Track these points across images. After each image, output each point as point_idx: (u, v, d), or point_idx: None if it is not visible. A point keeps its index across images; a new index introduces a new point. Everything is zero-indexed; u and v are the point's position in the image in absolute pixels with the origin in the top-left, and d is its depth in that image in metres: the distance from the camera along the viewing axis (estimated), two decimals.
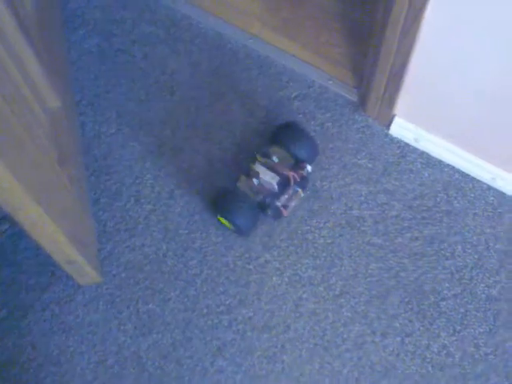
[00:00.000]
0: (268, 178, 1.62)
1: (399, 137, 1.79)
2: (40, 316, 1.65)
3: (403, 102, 1.69)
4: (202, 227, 1.74)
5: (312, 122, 1.82)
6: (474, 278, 1.67)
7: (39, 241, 1.39)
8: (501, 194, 1.74)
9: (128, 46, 1.95)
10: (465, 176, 1.76)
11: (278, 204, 1.64)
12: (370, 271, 1.68)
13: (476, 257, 1.68)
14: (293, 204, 1.68)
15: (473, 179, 1.76)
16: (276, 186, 1.62)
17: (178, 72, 1.92)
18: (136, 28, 1.97)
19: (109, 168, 1.80)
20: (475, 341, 1.60)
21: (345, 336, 1.63)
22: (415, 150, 1.79)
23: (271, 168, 1.64)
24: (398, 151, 1.79)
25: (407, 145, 1.79)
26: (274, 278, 1.69)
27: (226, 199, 1.68)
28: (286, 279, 1.68)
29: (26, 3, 1.55)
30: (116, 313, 1.66)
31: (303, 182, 1.68)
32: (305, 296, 1.67)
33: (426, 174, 1.77)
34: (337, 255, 1.70)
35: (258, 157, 1.67)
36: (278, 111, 1.86)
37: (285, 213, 1.66)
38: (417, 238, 1.71)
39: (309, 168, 1.68)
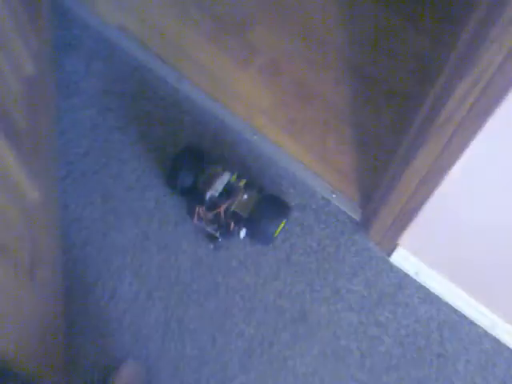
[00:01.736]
0: (214, 187, 1.66)
1: (399, 266, 1.74)
2: None
3: (409, 234, 1.65)
4: (176, 337, 1.68)
5: (309, 237, 1.76)
6: None
7: None
8: (497, 343, 1.69)
9: (124, 124, 1.87)
10: (462, 318, 1.71)
11: (195, 206, 1.67)
12: None
13: None
14: (202, 226, 1.71)
15: (470, 323, 1.71)
16: (207, 197, 1.65)
17: None
18: (135, 104, 1.89)
19: (86, 257, 1.74)
20: None
21: None
22: (414, 282, 1.74)
23: (231, 192, 1.67)
24: (396, 281, 1.74)
25: (406, 276, 1.75)
26: None
27: (190, 158, 1.73)
28: None
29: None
30: None
31: (223, 228, 1.69)
32: None
33: (423, 311, 1.72)
34: None
35: (243, 181, 1.70)
36: None
37: (193, 218, 1.70)
38: (403, 379, 1.66)
39: (241, 233, 1.71)
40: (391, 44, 1.97)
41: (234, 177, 1.71)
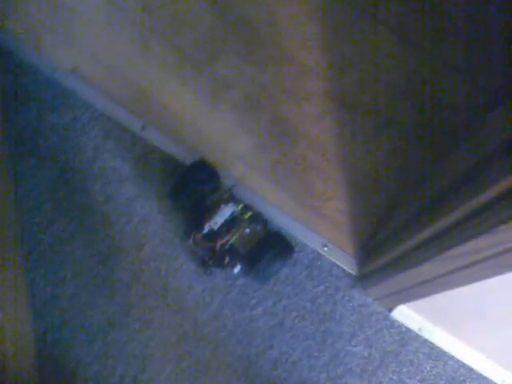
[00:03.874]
0: (214, 219, 1.59)
1: (401, 320, 1.64)
2: None
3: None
4: None
5: (302, 297, 1.66)
6: None
7: None
8: None
9: (88, 185, 1.72)
10: (471, 372, 1.64)
11: (192, 230, 1.61)
12: None
13: None
14: (198, 249, 1.64)
15: (480, 377, 1.63)
16: (205, 229, 1.59)
17: (148, 219, 1.71)
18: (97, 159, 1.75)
19: (63, 342, 1.61)
20: None
21: None
22: (417, 337, 1.66)
23: (233, 224, 1.60)
24: (398, 338, 1.65)
25: (409, 331, 1.66)
26: None
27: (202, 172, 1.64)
28: None
29: None
30: None
31: (217, 260, 1.62)
32: None
33: (428, 368, 1.64)
34: None
35: (248, 213, 1.62)
36: None
37: (187, 241, 1.63)
38: None
39: (235, 269, 1.62)
40: (381, 66, 1.80)
41: (240, 207, 1.62)
